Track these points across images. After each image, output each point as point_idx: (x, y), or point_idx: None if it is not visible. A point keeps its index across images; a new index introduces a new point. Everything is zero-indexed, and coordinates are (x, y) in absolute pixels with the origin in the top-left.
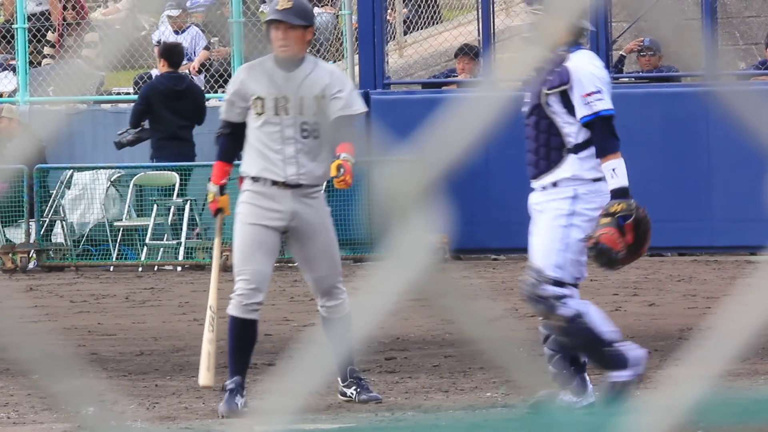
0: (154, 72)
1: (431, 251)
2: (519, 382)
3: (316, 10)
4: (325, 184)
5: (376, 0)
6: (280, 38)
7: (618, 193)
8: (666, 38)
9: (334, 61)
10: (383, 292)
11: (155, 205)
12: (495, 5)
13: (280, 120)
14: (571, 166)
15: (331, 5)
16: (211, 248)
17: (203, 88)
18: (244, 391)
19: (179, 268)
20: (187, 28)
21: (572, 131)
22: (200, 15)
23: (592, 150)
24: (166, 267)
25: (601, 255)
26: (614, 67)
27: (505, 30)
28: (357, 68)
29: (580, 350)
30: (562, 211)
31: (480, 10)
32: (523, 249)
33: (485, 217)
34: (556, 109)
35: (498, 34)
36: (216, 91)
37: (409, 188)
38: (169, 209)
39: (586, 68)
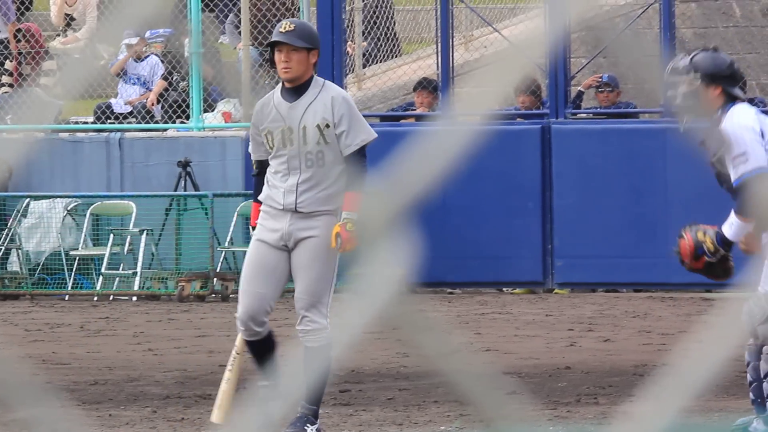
0: (114, 102)
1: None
2: (485, 414)
3: None
4: (337, 209)
5: (335, 32)
6: (283, 60)
7: (721, 239)
8: (625, 74)
9: None
10: (350, 325)
11: (111, 235)
12: (454, 39)
13: (286, 151)
14: None
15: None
16: (166, 278)
17: (160, 119)
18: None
19: (134, 298)
20: (147, 56)
21: None
22: (159, 45)
23: None
24: (122, 297)
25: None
26: (572, 103)
27: (464, 64)
28: None
29: (753, 394)
30: None
31: (439, 45)
32: (478, 283)
33: (441, 251)
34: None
35: (457, 69)
36: (174, 122)
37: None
38: (125, 239)
39: (732, 129)
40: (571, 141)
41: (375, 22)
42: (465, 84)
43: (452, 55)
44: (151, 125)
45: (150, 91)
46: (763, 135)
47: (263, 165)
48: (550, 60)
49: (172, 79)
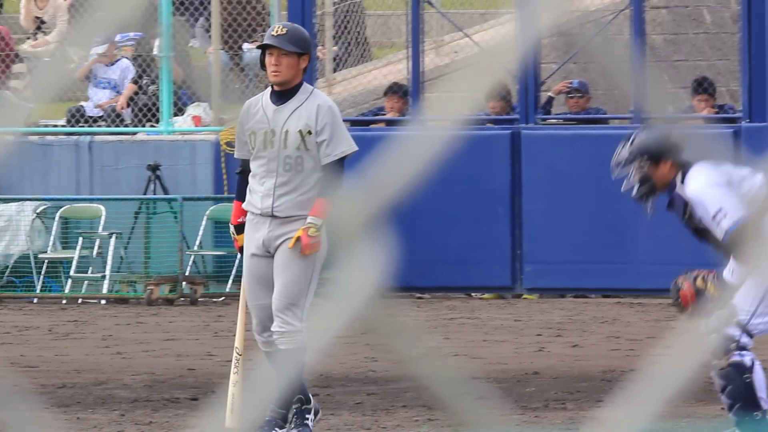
0: (85, 104)
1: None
2: (455, 419)
3: (245, 45)
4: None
5: None
6: (273, 64)
7: (722, 284)
8: (595, 80)
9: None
10: (323, 329)
11: (80, 238)
12: (425, 44)
13: (266, 153)
14: None
15: (261, 41)
16: (135, 282)
17: (130, 123)
18: (310, 404)
19: (103, 301)
20: (117, 60)
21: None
22: (130, 49)
23: None
24: (90, 300)
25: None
26: (542, 108)
27: (435, 69)
28: None
29: (728, 398)
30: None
31: (410, 49)
32: (447, 288)
33: (410, 256)
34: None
35: (427, 74)
36: (144, 125)
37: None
38: (94, 242)
39: (700, 192)
40: (541, 146)
41: (346, 27)
42: (436, 89)
43: (423, 60)
44: (121, 129)
45: (120, 94)
46: (730, 183)
47: (246, 165)
48: (521, 65)
49: (142, 82)
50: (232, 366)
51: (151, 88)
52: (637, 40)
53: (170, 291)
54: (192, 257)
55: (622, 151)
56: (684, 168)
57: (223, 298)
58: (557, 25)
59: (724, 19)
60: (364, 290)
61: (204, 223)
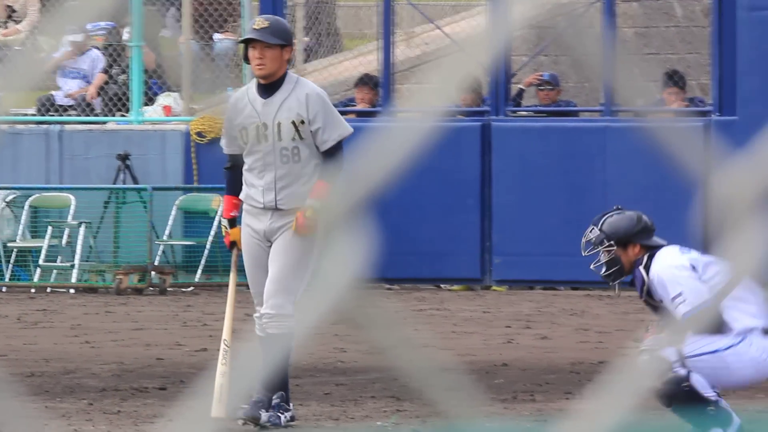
0: (56, 93)
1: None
2: (435, 409)
3: (216, 35)
4: None
5: None
6: (257, 57)
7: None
8: (566, 73)
9: (233, 88)
10: (304, 318)
11: (50, 227)
12: (396, 36)
13: (261, 147)
14: None
15: (232, 31)
16: (104, 271)
17: (100, 112)
18: (290, 408)
19: (72, 291)
20: (88, 50)
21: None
22: (101, 38)
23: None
24: (59, 289)
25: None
26: (513, 101)
27: (405, 61)
28: None
29: (678, 413)
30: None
31: (381, 41)
32: (416, 279)
33: (380, 247)
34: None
35: (398, 65)
36: (114, 115)
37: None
38: (63, 231)
39: (663, 273)
40: (512, 139)
41: (317, 18)
42: (406, 80)
43: (393, 52)
44: (91, 118)
45: (90, 84)
46: (695, 268)
47: (236, 159)
48: (492, 58)
49: (112, 72)
50: (220, 357)
51: (122, 77)
52: (609, 32)
53: (139, 280)
54: (161, 247)
55: (591, 233)
56: (651, 250)
57: (192, 288)
58: (529, 17)
59: (695, 13)
60: (343, 280)
61: (173, 212)
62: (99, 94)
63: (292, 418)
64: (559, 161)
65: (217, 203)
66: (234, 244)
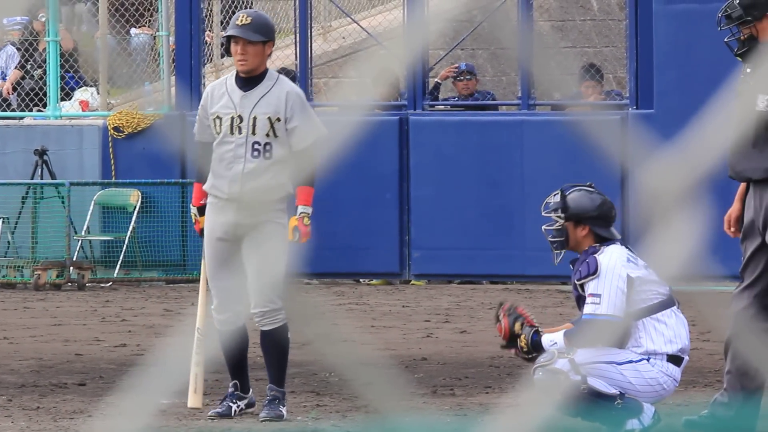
0: None
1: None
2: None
3: (132, 30)
4: (283, 197)
5: (193, 21)
6: (239, 53)
7: (535, 344)
8: (483, 66)
9: (151, 83)
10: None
11: None
12: (313, 30)
13: (233, 139)
14: None
15: (149, 26)
16: (22, 267)
17: (17, 107)
18: (246, 397)
19: None
20: (3, 47)
21: None
22: (17, 33)
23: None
24: None
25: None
26: (430, 94)
27: (322, 55)
28: (173, 90)
29: (588, 417)
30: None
31: (298, 35)
32: (335, 273)
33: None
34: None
35: (315, 59)
36: (31, 110)
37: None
38: None
39: (601, 267)
40: (429, 132)
41: (233, 12)
42: (323, 74)
43: (311, 46)
44: (8, 113)
45: (4, 81)
46: (629, 283)
47: (207, 148)
48: (408, 51)
49: (28, 66)
50: (194, 346)
51: (37, 72)
52: (525, 26)
53: (57, 276)
54: (80, 242)
55: (554, 197)
56: (602, 240)
57: (110, 283)
58: (446, 11)
59: (611, 6)
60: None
61: (91, 208)
62: (15, 90)
63: (251, 404)
64: (477, 155)
65: (135, 198)
66: (204, 231)
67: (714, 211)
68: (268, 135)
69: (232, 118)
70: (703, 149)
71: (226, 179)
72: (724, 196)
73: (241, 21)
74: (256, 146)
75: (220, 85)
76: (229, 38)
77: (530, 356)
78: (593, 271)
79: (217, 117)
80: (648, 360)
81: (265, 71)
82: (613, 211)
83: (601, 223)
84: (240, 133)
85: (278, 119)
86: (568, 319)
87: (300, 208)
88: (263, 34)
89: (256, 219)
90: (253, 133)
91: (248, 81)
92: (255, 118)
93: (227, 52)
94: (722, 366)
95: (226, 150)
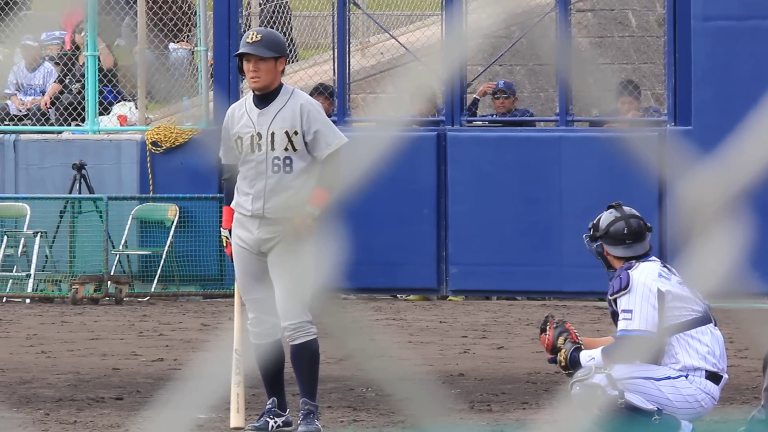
0: (10, 103)
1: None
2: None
3: (171, 45)
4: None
5: (231, 37)
6: (251, 70)
7: (574, 360)
8: (521, 82)
9: (189, 98)
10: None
11: (5, 237)
12: (351, 45)
13: (254, 156)
14: None
15: (187, 41)
16: (60, 281)
17: (55, 122)
18: (284, 414)
19: (28, 300)
20: (40, 65)
21: None
22: (55, 48)
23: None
24: (15, 299)
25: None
26: (468, 110)
27: (360, 70)
28: (211, 104)
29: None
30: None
31: (336, 50)
32: (372, 289)
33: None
34: None
35: (353, 75)
36: (69, 124)
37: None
38: (19, 241)
39: (632, 282)
40: (467, 148)
41: (272, 27)
42: (361, 90)
43: (349, 61)
44: (46, 127)
45: (43, 96)
46: (663, 298)
47: (233, 170)
48: (447, 67)
49: (66, 81)
50: (234, 366)
51: (76, 86)
52: (564, 42)
53: (95, 290)
54: (117, 256)
55: (598, 218)
56: (637, 258)
57: (148, 297)
58: (483, 27)
59: (649, 23)
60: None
61: (129, 222)
62: (53, 104)
63: (288, 423)
64: (515, 171)
65: (173, 213)
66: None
67: (754, 226)
68: (286, 149)
69: (252, 137)
70: (743, 163)
71: (249, 196)
72: (765, 211)
73: (252, 38)
74: (276, 161)
75: (240, 105)
76: (241, 57)
77: (568, 371)
78: (625, 286)
79: (239, 137)
80: (686, 377)
81: (280, 86)
82: (625, 230)
83: (610, 241)
84: (260, 150)
85: (295, 132)
86: (610, 333)
87: (307, 207)
88: (274, 50)
89: (279, 235)
90: (272, 148)
91: (264, 98)
92: (273, 134)
93: (240, 72)
94: (760, 383)
95: (248, 168)
